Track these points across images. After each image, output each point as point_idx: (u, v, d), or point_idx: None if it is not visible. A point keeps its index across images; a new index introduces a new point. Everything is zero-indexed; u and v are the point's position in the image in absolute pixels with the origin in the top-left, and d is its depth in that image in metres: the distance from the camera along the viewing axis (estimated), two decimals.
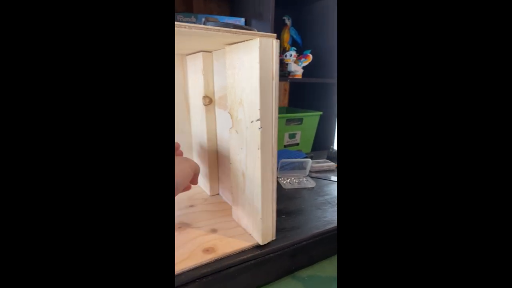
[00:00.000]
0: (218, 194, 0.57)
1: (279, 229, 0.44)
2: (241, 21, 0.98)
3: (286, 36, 1.13)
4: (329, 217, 0.49)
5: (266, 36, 0.33)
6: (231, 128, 0.41)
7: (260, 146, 0.35)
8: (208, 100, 0.51)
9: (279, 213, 0.50)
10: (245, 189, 0.40)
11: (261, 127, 0.34)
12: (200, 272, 0.34)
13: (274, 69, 0.34)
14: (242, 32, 0.32)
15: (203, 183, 0.59)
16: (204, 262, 0.35)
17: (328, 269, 0.44)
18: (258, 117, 0.34)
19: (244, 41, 0.34)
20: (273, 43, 0.33)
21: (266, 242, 0.39)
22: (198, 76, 0.51)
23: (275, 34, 0.33)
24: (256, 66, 0.33)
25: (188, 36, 0.32)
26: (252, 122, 0.35)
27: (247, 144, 0.37)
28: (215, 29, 0.30)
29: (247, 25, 0.98)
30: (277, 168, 0.68)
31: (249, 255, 0.37)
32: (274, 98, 0.34)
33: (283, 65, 1.02)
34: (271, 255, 0.39)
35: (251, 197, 0.39)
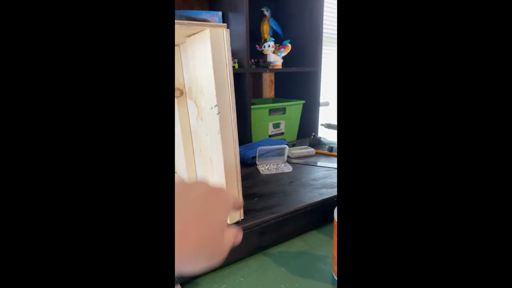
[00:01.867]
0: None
1: (250, 210, 0.46)
2: (218, 14, 0.99)
3: (265, 27, 1.14)
4: (299, 197, 0.52)
5: (215, 26, 0.35)
6: (197, 116, 0.44)
7: (219, 131, 0.37)
8: (179, 92, 0.53)
9: (253, 196, 0.52)
10: (213, 173, 0.43)
11: (219, 112, 0.36)
12: None
13: (227, 57, 0.36)
14: (191, 23, 0.34)
15: (181, 171, 0.61)
16: None
17: (298, 244, 0.47)
18: (216, 103, 0.36)
19: (198, 32, 0.37)
20: (224, 33, 0.35)
21: (232, 222, 0.42)
22: None
23: (225, 24, 0.35)
24: (209, 55, 0.35)
25: None
26: (211, 108, 0.38)
27: (210, 130, 0.40)
28: None
29: (224, 19, 1.00)
30: (256, 156, 0.71)
31: None
32: (230, 84, 0.37)
33: (263, 56, 1.04)
34: None
35: (218, 180, 0.41)
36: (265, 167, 0.69)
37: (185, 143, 0.56)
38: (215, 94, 0.36)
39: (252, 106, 0.98)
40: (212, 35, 0.34)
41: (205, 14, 0.99)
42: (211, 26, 0.34)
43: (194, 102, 0.43)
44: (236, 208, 0.26)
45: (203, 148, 0.44)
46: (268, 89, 1.43)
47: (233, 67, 1.02)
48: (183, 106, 0.54)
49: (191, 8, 1.17)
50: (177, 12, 0.96)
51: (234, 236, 0.24)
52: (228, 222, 0.41)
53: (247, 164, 0.71)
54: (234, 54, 1.03)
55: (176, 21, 0.33)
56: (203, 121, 0.42)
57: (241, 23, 0.90)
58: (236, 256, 0.43)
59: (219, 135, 0.37)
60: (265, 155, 0.74)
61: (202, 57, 0.37)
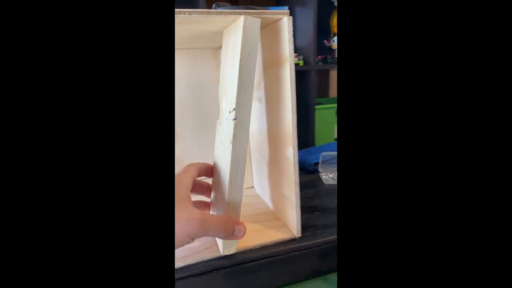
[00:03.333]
0: (252, 187, 0.56)
1: (309, 226, 0.40)
2: (284, 10, 0.95)
3: (335, 21, 1.04)
4: None
5: (251, 14, 0.29)
6: (217, 119, 0.39)
7: (232, 140, 0.31)
8: None
9: (313, 209, 0.46)
10: (219, 186, 0.37)
11: (235, 118, 0.30)
12: (218, 263, 0.34)
13: (256, 52, 0.30)
14: (220, 12, 0.29)
15: None
16: (223, 254, 0.35)
17: None
18: (234, 106, 0.30)
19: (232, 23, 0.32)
20: (254, 24, 0.29)
21: (226, 253, 0.35)
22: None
23: (268, 11, 0.30)
24: (238, 48, 0.29)
25: (189, 24, 0.31)
26: (230, 112, 0.32)
27: (224, 136, 0.34)
28: (198, 11, 0.28)
29: (291, 13, 0.94)
30: (319, 162, 0.64)
31: (270, 251, 0.35)
32: (251, 87, 0.30)
33: (331, 51, 0.95)
34: (295, 253, 0.36)
35: (219, 195, 0.36)
36: (329, 176, 0.62)
37: None
38: (235, 95, 0.30)
39: (316, 106, 0.91)
40: (247, 23, 0.28)
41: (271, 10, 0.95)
42: (246, 13, 0.29)
43: (218, 102, 0.39)
44: (227, 232, 0.30)
45: (216, 156, 0.39)
46: (336, 88, 1.32)
47: (297, 64, 0.96)
48: None
49: (258, 5, 1.15)
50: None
51: (223, 226, 0.30)
52: (221, 251, 0.35)
53: (308, 171, 0.65)
54: (299, 50, 0.97)
55: (211, 10, 0.29)
56: (221, 126, 0.37)
57: (308, 17, 0.83)
58: (290, 278, 0.37)
59: (231, 145, 0.31)
60: (330, 161, 0.66)
61: (230, 51, 0.32)
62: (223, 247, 0.34)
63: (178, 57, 0.54)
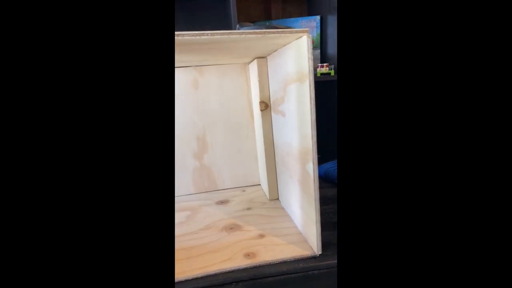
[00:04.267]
0: (277, 199, 0.56)
1: (331, 244, 0.39)
2: (316, 19, 0.94)
3: None
4: None
5: (273, 32, 0.30)
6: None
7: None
8: (264, 105, 0.52)
9: (336, 226, 0.45)
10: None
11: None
12: (237, 276, 0.34)
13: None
14: (282, 31, 0.31)
15: (263, 183, 0.59)
16: (242, 267, 0.35)
17: None
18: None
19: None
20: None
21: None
22: (255, 82, 0.52)
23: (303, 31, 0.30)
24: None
25: (222, 44, 0.34)
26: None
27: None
28: (239, 32, 0.30)
29: (322, 23, 0.93)
30: None
31: (289, 267, 0.35)
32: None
33: None
34: (314, 271, 0.35)
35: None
36: None
37: (267, 158, 0.54)
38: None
39: None
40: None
41: (302, 21, 0.96)
42: (267, 32, 0.30)
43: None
44: None
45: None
46: None
47: (329, 73, 0.95)
48: (267, 120, 0.52)
49: (290, 16, 1.16)
50: (273, 22, 0.97)
51: None
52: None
53: (335, 184, 0.63)
54: (331, 60, 0.95)
55: (257, 31, 0.31)
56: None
57: None
58: None
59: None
60: None
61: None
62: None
63: (208, 72, 0.57)
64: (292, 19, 1.00)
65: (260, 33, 0.31)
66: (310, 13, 1.10)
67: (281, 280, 0.35)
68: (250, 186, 0.64)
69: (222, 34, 0.30)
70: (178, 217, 0.51)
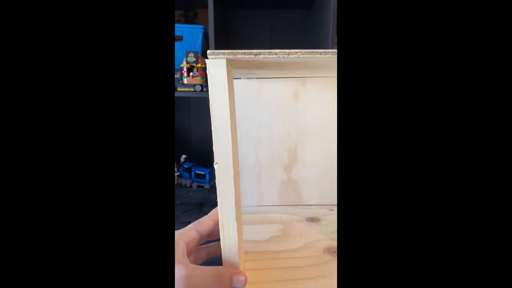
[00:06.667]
0: None
1: None
2: None
3: None
4: None
5: (307, 53, 0.27)
6: None
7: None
8: None
9: None
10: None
11: (216, 163, 0.28)
12: None
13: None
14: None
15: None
16: None
17: None
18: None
19: None
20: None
21: None
22: None
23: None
24: None
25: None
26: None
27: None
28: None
29: None
30: None
31: None
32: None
33: None
34: None
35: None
36: None
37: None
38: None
39: None
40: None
41: None
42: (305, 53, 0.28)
43: None
44: (222, 285, 0.27)
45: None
46: None
47: None
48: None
49: None
50: None
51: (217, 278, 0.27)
52: None
53: None
54: None
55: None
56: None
57: None
58: None
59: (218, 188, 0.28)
60: None
61: None
62: None
63: (311, 83, 0.56)
64: None
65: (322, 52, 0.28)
66: None
67: None
68: (335, 205, 0.61)
69: (334, 53, 0.28)
70: (271, 229, 0.50)
